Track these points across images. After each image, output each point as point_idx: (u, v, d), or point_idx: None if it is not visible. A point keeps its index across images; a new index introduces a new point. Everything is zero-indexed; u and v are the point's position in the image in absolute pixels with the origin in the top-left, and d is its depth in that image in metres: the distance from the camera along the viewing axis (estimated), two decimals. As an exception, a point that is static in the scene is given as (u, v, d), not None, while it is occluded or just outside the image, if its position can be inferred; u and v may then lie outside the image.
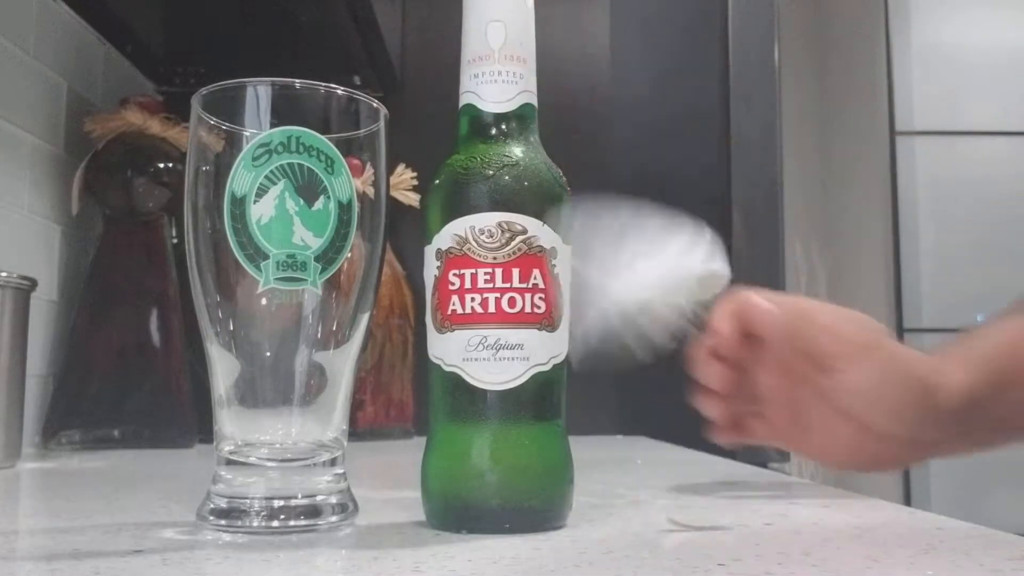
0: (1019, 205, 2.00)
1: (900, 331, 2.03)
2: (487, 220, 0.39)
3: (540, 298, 0.39)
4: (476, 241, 0.39)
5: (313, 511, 0.39)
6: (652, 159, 1.24)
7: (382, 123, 0.42)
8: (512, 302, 0.39)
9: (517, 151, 0.41)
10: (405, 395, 1.13)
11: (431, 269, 0.41)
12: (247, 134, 0.39)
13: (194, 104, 0.40)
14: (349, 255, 0.39)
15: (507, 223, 0.39)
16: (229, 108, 0.39)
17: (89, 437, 0.88)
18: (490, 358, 0.39)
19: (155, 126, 0.95)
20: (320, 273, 0.39)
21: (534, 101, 0.42)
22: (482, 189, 0.39)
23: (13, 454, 0.71)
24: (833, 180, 2.37)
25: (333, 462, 0.40)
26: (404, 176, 1.14)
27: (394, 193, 1.11)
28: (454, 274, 0.39)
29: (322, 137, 0.39)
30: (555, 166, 0.42)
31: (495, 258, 0.39)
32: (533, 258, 0.39)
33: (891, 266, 2.06)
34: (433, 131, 1.10)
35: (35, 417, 0.88)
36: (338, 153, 0.39)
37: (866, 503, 0.48)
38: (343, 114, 0.41)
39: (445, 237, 0.40)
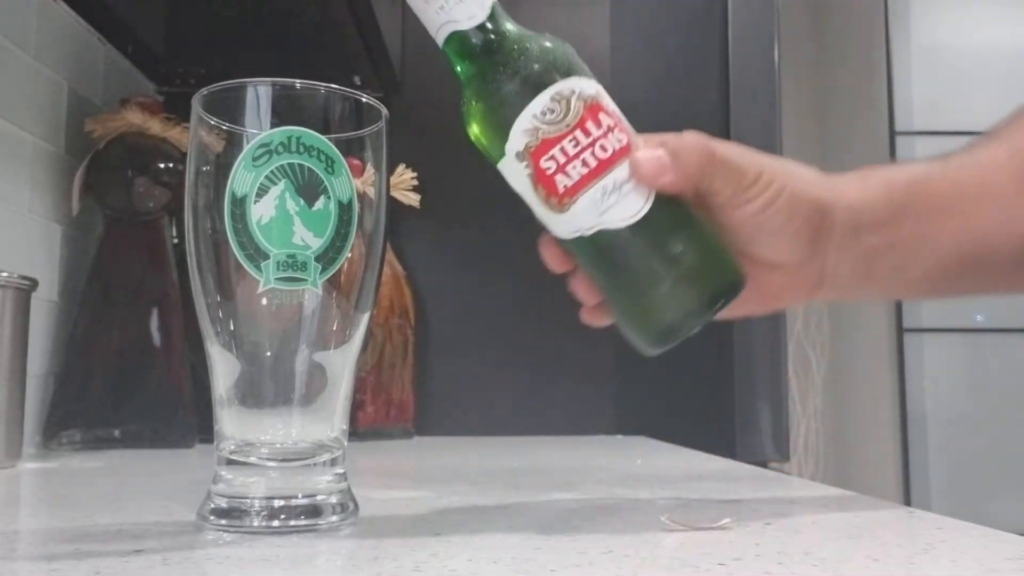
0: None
1: (900, 331, 2.03)
2: (541, 103, 0.42)
3: (619, 132, 0.43)
4: (545, 123, 0.42)
5: (313, 511, 0.39)
6: (652, 159, 1.23)
7: (383, 123, 0.42)
8: (603, 148, 0.42)
9: (517, 39, 0.43)
10: (405, 395, 1.13)
11: (518, 174, 0.43)
12: (247, 134, 0.39)
13: (194, 104, 0.40)
14: (349, 255, 0.39)
15: (557, 94, 0.42)
16: (229, 108, 0.39)
17: (90, 437, 0.88)
18: (618, 200, 0.42)
19: (156, 126, 0.95)
20: (320, 273, 0.39)
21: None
22: (519, 84, 0.42)
23: (14, 454, 0.71)
24: (833, 180, 2.36)
25: (333, 462, 0.40)
26: (404, 176, 1.14)
27: (394, 193, 1.11)
28: (545, 160, 0.42)
29: (322, 137, 0.39)
30: (545, 32, 0.45)
31: (568, 125, 0.42)
32: (593, 107, 0.43)
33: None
34: (433, 131, 1.11)
35: (36, 417, 0.88)
36: (338, 153, 0.39)
37: (866, 503, 0.48)
38: (343, 114, 0.41)
39: (516, 140, 0.42)
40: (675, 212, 0.44)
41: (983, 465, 1.94)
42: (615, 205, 0.42)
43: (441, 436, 1.16)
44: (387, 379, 1.11)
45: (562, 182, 0.42)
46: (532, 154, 0.42)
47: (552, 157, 0.42)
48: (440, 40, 0.44)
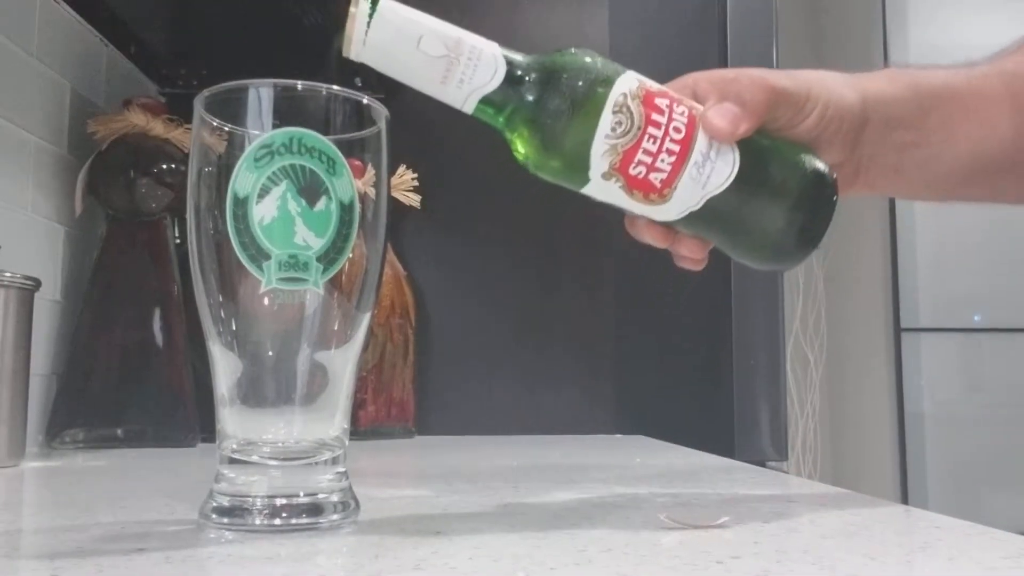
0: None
1: (897, 331, 2.03)
2: (608, 122, 0.42)
3: (677, 106, 0.44)
4: (618, 137, 0.42)
5: (315, 509, 0.39)
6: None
7: (383, 124, 0.42)
8: (677, 129, 0.43)
9: (546, 71, 0.42)
10: (406, 394, 1.14)
11: (609, 190, 0.44)
12: (249, 135, 0.39)
13: (196, 105, 0.40)
14: (350, 255, 0.40)
15: (616, 106, 0.42)
16: (231, 109, 0.40)
17: (92, 436, 0.89)
18: (712, 167, 0.43)
19: (158, 127, 0.95)
20: (322, 273, 0.39)
21: (498, 48, 0.42)
22: (577, 115, 0.42)
23: (17, 453, 0.71)
24: (833, 180, 2.36)
25: (335, 460, 0.41)
26: (405, 177, 1.14)
27: (395, 194, 1.12)
28: (632, 167, 0.43)
29: (324, 138, 0.39)
30: (561, 48, 0.44)
31: (639, 127, 0.42)
32: (647, 97, 0.43)
33: (888, 266, 2.06)
34: (434, 132, 1.11)
35: (39, 416, 0.88)
36: (340, 154, 0.39)
37: (863, 501, 0.48)
38: (345, 115, 0.41)
39: (599, 164, 0.43)
40: (759, 146, 0.46)
41: (980, 464, 1.94)
42: (712, 172, 0.43)
43: (441, 435, 1.17)
44: (388, 378, 1.11)
45: (657, 178, 0.43)
46: (618, 169, 0.43)
47: (639, 163, 0.43)
48: (469, 110, 0.42)
